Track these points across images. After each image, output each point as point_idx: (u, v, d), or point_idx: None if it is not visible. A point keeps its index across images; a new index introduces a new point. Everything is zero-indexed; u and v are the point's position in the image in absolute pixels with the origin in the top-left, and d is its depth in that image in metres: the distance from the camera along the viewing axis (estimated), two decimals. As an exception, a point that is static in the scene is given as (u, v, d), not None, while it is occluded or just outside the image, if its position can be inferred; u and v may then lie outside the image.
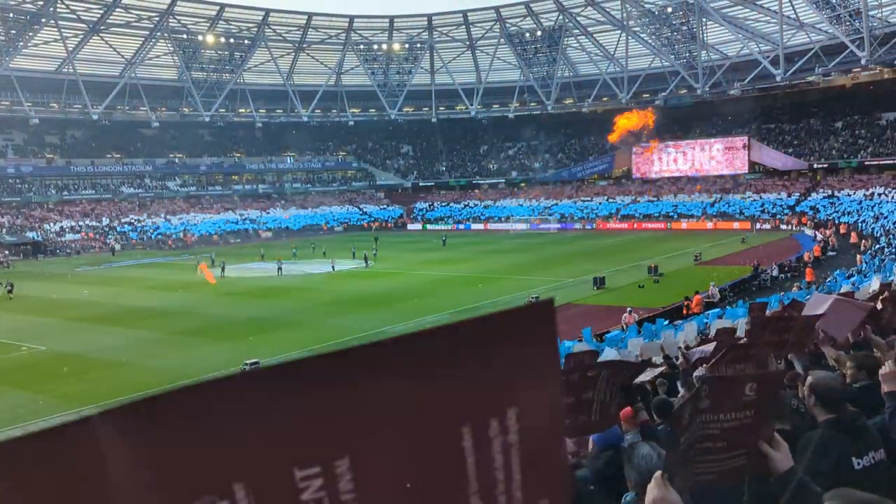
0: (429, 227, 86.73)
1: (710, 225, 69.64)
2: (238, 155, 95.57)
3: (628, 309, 26.04)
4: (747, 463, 2.45)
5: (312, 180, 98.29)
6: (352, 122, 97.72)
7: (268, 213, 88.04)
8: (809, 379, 3.56)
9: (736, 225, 67.12)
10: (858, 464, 3.10)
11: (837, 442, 3.16)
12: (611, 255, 49.91)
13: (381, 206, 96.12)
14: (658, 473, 2.37)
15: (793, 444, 2.93)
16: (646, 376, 8.76)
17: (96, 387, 21.21)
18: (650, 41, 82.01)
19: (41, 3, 69.38)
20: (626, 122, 76.52)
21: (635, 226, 74.20)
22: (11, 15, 67.87)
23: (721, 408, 2.36)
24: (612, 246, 56.69)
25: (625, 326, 24.22)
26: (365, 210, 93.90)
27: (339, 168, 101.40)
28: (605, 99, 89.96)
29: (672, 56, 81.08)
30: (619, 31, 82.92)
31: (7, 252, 64.53)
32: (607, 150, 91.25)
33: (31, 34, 71.24)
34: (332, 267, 47.68)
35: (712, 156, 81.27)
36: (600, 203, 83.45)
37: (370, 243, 59.88)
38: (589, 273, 38.29)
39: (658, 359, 13.37)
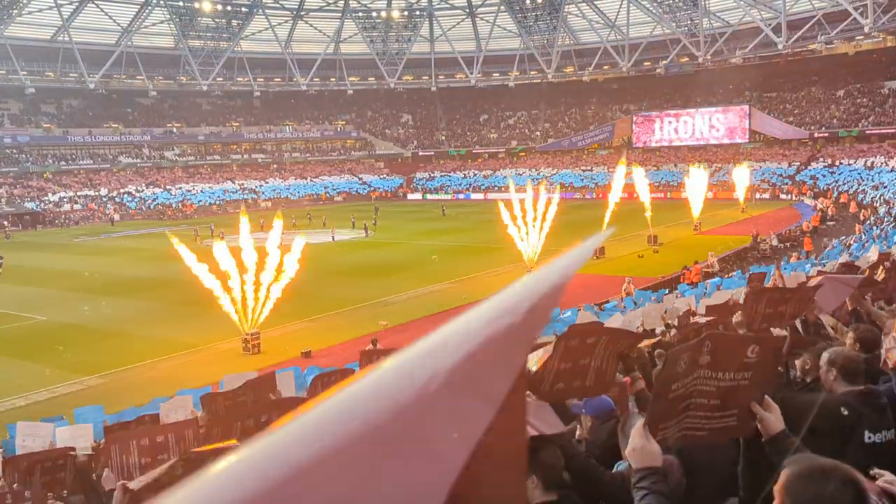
0: (428, 196, 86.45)
1: (709, 195, 69.35)
2: (236, 124, 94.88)
3: (627, 279, 26.06)
4: (737, 423, 2.46)
5: (311, 150, 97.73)
6: (351, 91, 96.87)
7: (266, 182, 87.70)
8: (827, 354, 3.55)
9: (736, 194, 66.88)
10: (869, 438, 3.11)
11: (856, 412, 3.17)
12: (611, 224, 49.69)
13: (381, 176, 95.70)
14: (640, 422, 2.37)
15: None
16: (643, 344, 8.79)
17: (98, 357, 21.32)
18: (651, 8, 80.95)
19: (34, -31, 68.41)
20: None
21: (635, 195, 73.84)
22: (4, -18, 66.95)
23: (720, 366, 2.38)
24: (611, 216, 56.41)
25: (624, 296, 24.26)
26: (364, 180, 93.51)
27: (339, 137, 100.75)
28: (605, 67, 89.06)
29: (673, 23, 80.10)
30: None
31: (6, 222, 64.42)
32: (608, 119, 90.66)
33: (25, 1, 70.23)
34: (332, 237, 47.64)
35: (713, 125, 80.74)
36: (600, 172, 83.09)
37: (370, 213, 59.73)
38: (588, 243, 38.16)
39: (659, 328, 13.40)
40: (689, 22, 79.27)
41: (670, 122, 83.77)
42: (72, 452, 5.85)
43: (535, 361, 3.63)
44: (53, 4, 72.84)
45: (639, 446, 2.29)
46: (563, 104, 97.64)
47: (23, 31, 75.16)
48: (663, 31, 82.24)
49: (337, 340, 22.15)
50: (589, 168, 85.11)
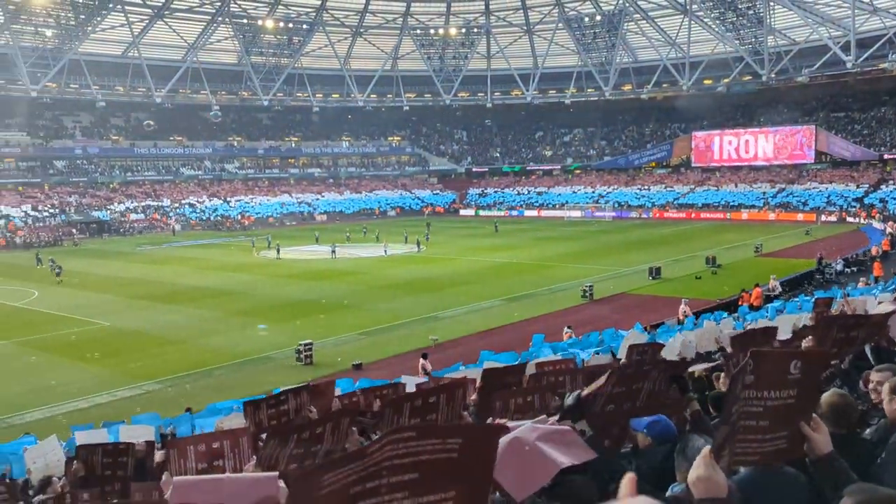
0: (481, 212, 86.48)
1: (772, 216, 67.57)
2: (295, 139, 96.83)
3: (684, 300, 25.44)
4: (788, 446, 2.35)
5: (367, 164, 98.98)
6: (407, 107, 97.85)
7: (322, 196, 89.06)
8: (893, 381, 3.34)
9: (800, 216, 64.95)
10: None
11: None
12: (667, 244, 48.89)
13: (434, 192, 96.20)
14: (706, 449, 2.22)
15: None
16: (700, 367, 8.51)
17: (156, 362, 21.82)
18: (714, 26, 79.55)
19: (109, -12, 71.23)
20: None
21: (693, 215, 72.53)
22: (81, 0, 69.86)
23: (765, 384, 2.28)
24: (668, 235, 55.54)
25: (681, 318, 23.66)
26: (418, 195, 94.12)
27: (394, 153, 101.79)
28: (665, 85, 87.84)
29: (737, 41, 78.52)
30: (681, 16, 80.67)
31: (75, 230, 66.96)
32: (666, 138, 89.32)
33: (98, 19, 73.23)
34: (385, 251, 48.00)
35: (776, 145, 78.70)
36: (657, 191, 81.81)
37: (423, 228, 60.01)
38: (644, 262, 37.59)
39: (716, 352, 12.98)
40: (753, 40, 77.61)
41: (731, 142, 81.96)
42: (133, 444, 6.29)
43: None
44: (125, 22, 75.75)
45: (704, 476, 2.15)
46: (621, 122, 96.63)
47: (96, 48, 78.34)
48: (726, 48, 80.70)
49: (388, 353, 22.18)
50: (646, 187, 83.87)
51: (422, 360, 17.89)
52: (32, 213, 68.67)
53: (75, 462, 5.97)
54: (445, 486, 1.67)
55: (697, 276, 34.58)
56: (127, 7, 74.37)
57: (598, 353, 15.59)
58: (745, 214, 69.52)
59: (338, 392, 9.63)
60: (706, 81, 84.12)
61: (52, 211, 70.09)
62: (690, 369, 7.48)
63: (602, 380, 3.42)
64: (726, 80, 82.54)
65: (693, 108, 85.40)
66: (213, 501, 2.26)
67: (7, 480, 8.27)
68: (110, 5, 72.25)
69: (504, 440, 2.02)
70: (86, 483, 5.61)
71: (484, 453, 1.72)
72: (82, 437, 8.72)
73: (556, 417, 3.28)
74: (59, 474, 7.08)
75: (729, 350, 8.59)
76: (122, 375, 20.56)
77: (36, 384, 19.91)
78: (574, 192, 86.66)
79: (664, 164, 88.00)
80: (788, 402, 2.31)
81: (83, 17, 70.90)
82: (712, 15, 77.87)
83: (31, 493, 6.00)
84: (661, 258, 39.32)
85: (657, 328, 21.35)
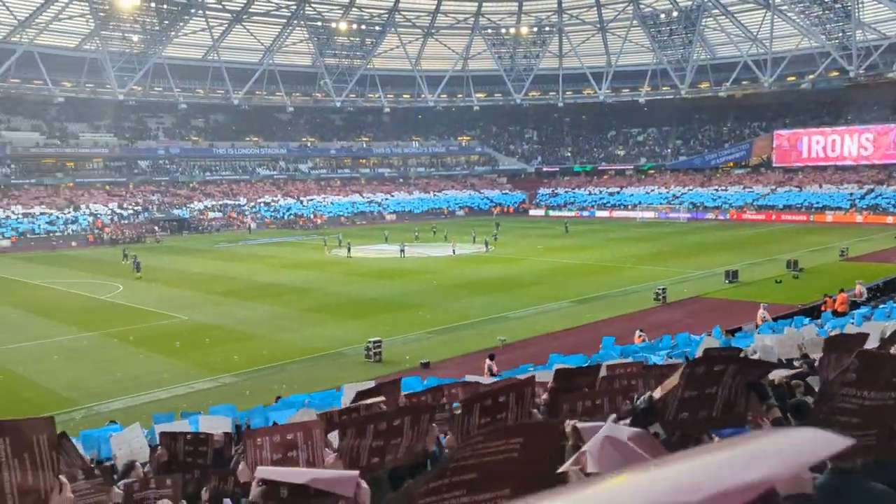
0: (551, 213, 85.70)
1: (859, 218, 64.54)
2: (366, 139, 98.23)
3: (763, 305, 24.51)
4: (877, 443, 2.42)
5: (436, 164, 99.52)
6: (477, 107, 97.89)
7: (392, 196, 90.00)
8: None
9: (889, 219, 61.83)
10: None
11: None
12: (745, 247, 47.31)
13: (504, 191, 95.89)
14: None
15: None
16: (781, 374, 8.15)
17: (231, 356, 22.47)
18: (798, 20, 76.42)
19: (191, -6, 73.98)
20: None
21: (773, 217, 69.99)
22: (165, 6, 72.76)
23: (867, 384, 2.37)
24: (746, 238, 53.74)
25: (759, 323, 22.82)
26: (487, 195, 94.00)
27: (463, 153, 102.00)
28: (744, 82, 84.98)
29: (822, 36, 75.24)
30: (763, 10, 77.86)
31: (157, 228, 69.77)
32: (745, 137, 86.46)
33: (181, 24, 76.10)
34: (453, 251, 48.12)
35: (863, 144, 75.06)
36: (735, 192, 79.28)
37: (491, 228, 59.90)
38: (721, 266, 36.49)
39: (797, 359, 12.44)
40: (840, 34, 74.26)
41: (817, 141, 78.56)
42: (212, 434, 6.65)
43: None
44: (206, 26, 78.45)
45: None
46: (697, 121, 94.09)
47: (178, 52, 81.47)
48: (811, 44, 77.45)
49: (456, 353, 22.21)
50: (723, 187, 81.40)
51: (488, 361, 17.83)
52: (118, 210, 71.87)
53: (159, 448, 6.33)
54: (503, 484, 1.72)
55: (777, 280, 33.30)
56: (208, 12, 76.98)
57: (671, 358, 15.20)
58: (829, 216, 66.63)
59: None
60: (789, 78, 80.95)
61: (136, 209, 73.20)
62: (770, 376, 7.18)
63: (674, 378, 3.30)
64: (811, 77, 79.21)
65: (775, 106, 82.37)
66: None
67: (99, 464, 8.71)
68: (192, 10, 74.96)
69: (597, 439, 1.97)
70: (168, 468, 5.92)
71: (543, 451, 1.77)
72: (163, 427, 9.10)
73: (628, 421, 3.18)
74: (142, 460, 7.38)
75: (816, 355, 8.21)
76: (199, 368, 21.27)
77: (120, 374, 20.80)
78: (647, 193, 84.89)
79: (743, 163, 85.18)
80: (888, 402, 2.39)
81: (167, 22, 73.79)
82: (796, 9, 74.82)
83: (115, 476, 6.34)
84: (739, 261, 38.06)
85: (734, 333, 20.66)
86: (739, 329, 22.23)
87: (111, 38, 72.70)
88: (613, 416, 3.42)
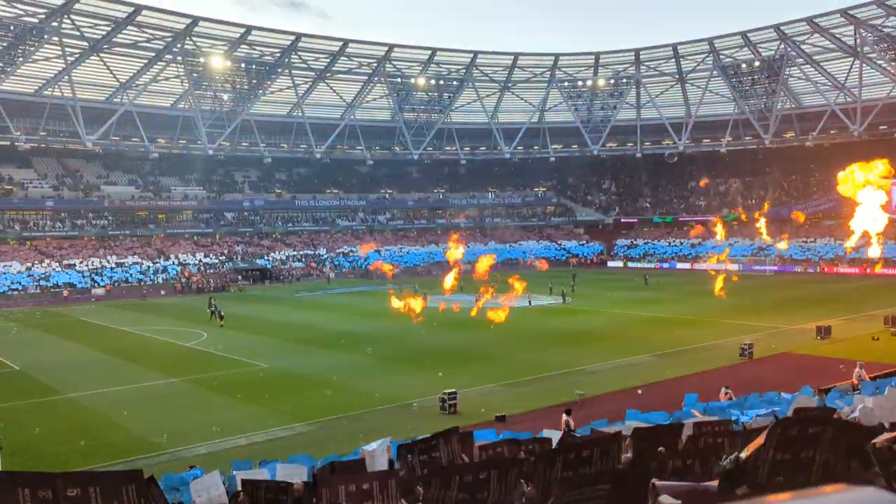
0: (630, 264, 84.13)
1: (962, 272, 60.59)
2: (442, 191, 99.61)
3: (859, 363, 23.12)
4: None
5: (512, 215, 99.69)
6: (553, 158, 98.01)
7: (468, 247, 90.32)
8: None
9: None
10: None
11: None
12: (838, 302, 45.04)
13: (581, 242, 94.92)
14: None
15: None
16: (884, 438, 7.59)
17: (308, 404, 22.71)
18: (889, 68, 73.77)
19: (278, 54, 77.71)
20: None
21: (868, 270, 66.53)
22: (254, 67, 76.72)
23: None
24: (839, 292, 51.23)
25: (855, 382, 21.49)
26: (564, 245, 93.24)
27: (539, 203, 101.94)
28: (832, 132, 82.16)
29: (916, 82, 72.34)
30: (850, 59, 75.62)
31: (241, 277, 72.20)
32: (834, 187, 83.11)
33: (268, 83, 79.93)
34: (529, 302, 47.67)
35: (966, 193, 70.83)
36: (826, 244, 75.97)
37: (568, 279, 59.18)
38: (811, 321, 34.78)
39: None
40: (935, 80, 71.20)
41: (913, 190, 74.66)
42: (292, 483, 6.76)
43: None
44: (291, 84, 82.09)
45: None
46: (782, 171, 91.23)
47: (264, 108, 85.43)
48: (902, 91, 74.53)
49: (531, 406, 21.76)
50: (812, 239, 78.18)
51: (565, 416, 17.38)
52: (205, 260, 74.82)
53: (241, 494, 6.44)
54: None
55: (875, 336, 31.43)
56: (293, 71, 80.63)
57: (759, 417, 14.44)
58: (929, 270, 62.83)
59: (481, 442, 9.51)
60: (881, 127, 77.84)
61: (221, 258, 76.05)
62: (873, 441, 6.68)
63: (761, 438, 3.09)
64: (904, 125, 75.94)
65: (866, 156, 79.05)
66: None
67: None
68: (279, 70, 78.68)
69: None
70: None
71: (629, 500, 1.71)
72: (242, 474, 9.24)
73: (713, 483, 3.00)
74: (221, 507, 7.49)
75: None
76: (277, 415, 21.56)
77: (202, 420, 21.30)
78: (731, 245, 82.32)
79: (833, 214, 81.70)
80: None
81: (255, 81, 77.60)
82: (887, 56, 72.31)
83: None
84: (831, 316, 36.20)
85: (827, 392, 19.50)
86: (833, 387, 20.99)
87: (203, 97, 76.87)
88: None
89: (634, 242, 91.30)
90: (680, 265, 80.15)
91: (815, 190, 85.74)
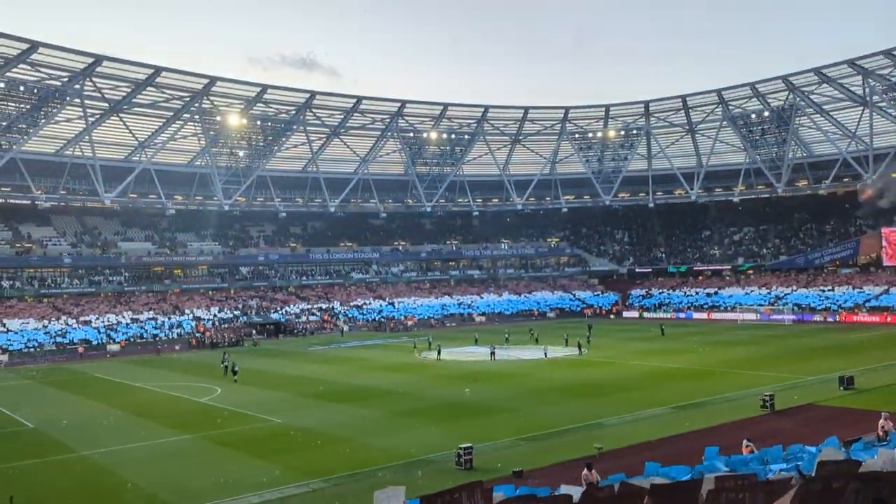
0: (646, 315, 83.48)
1: None
2: (455, 242, 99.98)
3: (884, 414, 22.56)
4: None
5: (525, 266, 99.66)
6: (565, 209, 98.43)
7: (482, 298, 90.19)
8: None
9: None
10: None
11: None
12: (859, 351, 44.29)
13: (595, 293, 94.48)
14: None
15: None
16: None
17: (322, 460, 22.38)
18: (898, 115, 74.06)
19: (293, 112, 79.31)
20: None
21: (889, 319, 65.61)
22: (270, 124, 78.25)
23: None
24: (860, 341, 50.41)
25: (881, 434, 20.93)
26: (578, 296, 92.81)
27: (552, 254, 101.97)
28: (845, 180, 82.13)
29: (926, 129, 72.46)
30: (860, 107, 76.06)
31: (255, 331, 72.22)
32: (851, 235, 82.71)
33: (284, 139, 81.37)
34: (545, 353, 47.24)
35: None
36: (844, 293, 75.13)
37: (584, 330, 58.71)
38: (833, 371, 34.15)
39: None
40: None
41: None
42: None
43: None
44: (306, 141, 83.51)
45: None
46: (796, 219, 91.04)
47: (280, 164, 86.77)
48: (915, 138, 74.59)
49: (550, 461, 21.32)
50: (829, 288, 77.37)
51: (585, 471, 16.97)
52: (219, 315, 75.00)
53: None
54: None
55: (898, 386, 30.76)
56: (308, 128, 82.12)
57: (783, 472, 14.05)
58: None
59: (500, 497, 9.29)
60: (893, 174, 77.69)
61: (235, 313, 76.23)
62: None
63: (789, 497, 3.01)
64: (919, 171, 75.79)
65: (881, 203, 78.75)
66: None
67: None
68: (294, 127, 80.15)
69: None
70: None
71: None
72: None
73: None
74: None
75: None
76: (290, 472, 21.25)
77: (214, 477, 21.02)
78: (747, 294, 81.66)
79: (850, 262, 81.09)
80: None
81: (271, 138, 79.02)
82: (896, 104, 72.67)
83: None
84: (853, 366, 35.56)
85: (852, 444, 19.00)
86: (859, 439, 20.46)
87: (220, 154, 78.24)
88: None
89: (650, 292, 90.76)
90: (696, 315, 79.42)
91: (832, 237, 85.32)
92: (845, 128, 79.36)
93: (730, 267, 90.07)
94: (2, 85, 60.14)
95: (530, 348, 51.98)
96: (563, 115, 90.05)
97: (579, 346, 49.11)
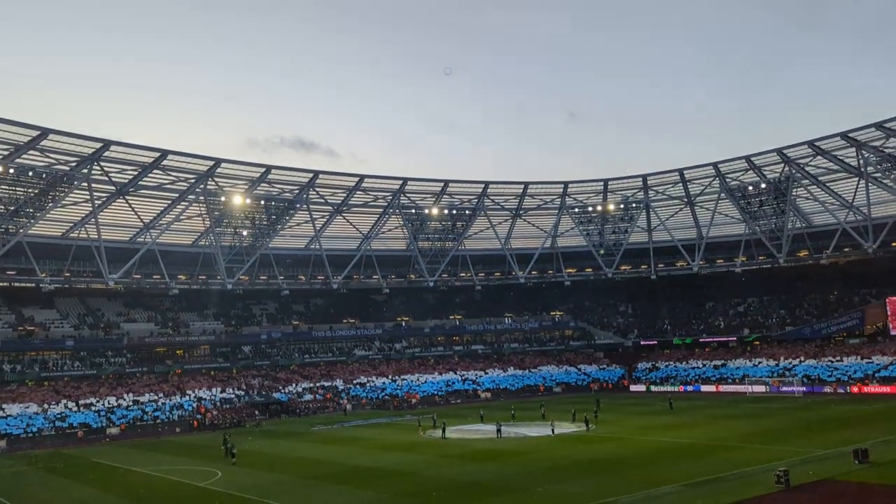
0: (653, 388, 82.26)
1: None
2: (458, 317, 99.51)
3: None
4: None
5: (529, 340, 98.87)
6: (568, 283, 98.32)
7: (486, 373, 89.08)
8: None
9: None
10: None
11: None
12: (872, 423, 43.35)
13: (601, 367, 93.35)
14: None
15: None
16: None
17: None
18: (894, 186, 74.69)
19: (296, 191, 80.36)
20: None
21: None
22: (273, 203, 79.12)
23: None
24: (872, 413, 49.41)
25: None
26: (584, 370, 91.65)
27: (556, 328, 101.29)
28: (846, 249, 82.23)
29: (923, 198, 72.97)
30: (856, 178, 76.89)
31: (257, 412, 71.07)
32: (855, 304, 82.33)
33: (287, 218, 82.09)
34: (552, 430, 46.30)
35: None
36: (852, 363, 74.18)
37: (591, 405, 57.71)
38: (847, 444, 33.31)
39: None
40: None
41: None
42: None
43: None
44: (309, 219, 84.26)
45: None
46: (800, 289, 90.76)
47: (283, 242, 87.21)
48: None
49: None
50: (838, 358, 76.44)
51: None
52: (221, 395, 73.98)
53: None
54: None
55: (916, 459, 29.92)
56: (311, 206, 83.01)
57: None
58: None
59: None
60: (894, 244, 77.89)
61: (238, 393, 75.20)
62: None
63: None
64: (919, 240, 75.93)
65: (884, 272, 78.76)
66: None
67: None
68: (297, 206, 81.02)
69: None
70: None
71: None
72: None
73: None
74: None
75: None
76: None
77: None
78: (755, 366, 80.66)
79: (856, 332, 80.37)
80: None
81: (274, 217, 79.75)
82: (892, 176, 73.44)
83: None
84: (867, 439, 34.75)
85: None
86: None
87: (223, 234, 78.76)
88: None
89: (656, 365, 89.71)
90: (705, 387, 78.23)
91: (837, 307, 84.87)
92: (842, 198, 79.98)
93: (735, 338, 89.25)
94: (11, 171, 61.13)
95: (537, 424, 50.97)
96: (562, 190, 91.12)
97: (586, 422, 48.18)
